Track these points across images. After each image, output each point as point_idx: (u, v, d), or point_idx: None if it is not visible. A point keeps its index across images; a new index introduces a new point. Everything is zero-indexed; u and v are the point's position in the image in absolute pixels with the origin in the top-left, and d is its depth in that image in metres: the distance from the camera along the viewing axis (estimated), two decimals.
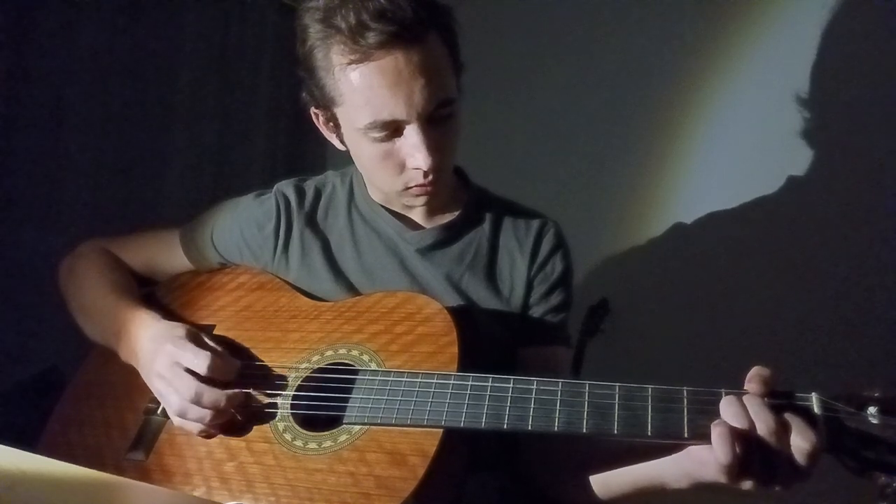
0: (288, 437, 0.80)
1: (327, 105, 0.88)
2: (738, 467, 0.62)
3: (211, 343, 0.87)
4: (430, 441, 0.73)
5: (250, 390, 0.84)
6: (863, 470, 0.62)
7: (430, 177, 0.87)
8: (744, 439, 0.62)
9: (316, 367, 0.85)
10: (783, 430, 0.62)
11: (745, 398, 0.64)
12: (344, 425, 0.78)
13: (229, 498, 0.78)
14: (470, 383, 0.75)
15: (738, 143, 1.80)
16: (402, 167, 0.88)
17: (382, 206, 1.00)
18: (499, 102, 2.02)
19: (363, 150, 0.88)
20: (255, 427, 0.83)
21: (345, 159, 1.00)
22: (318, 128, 0.96)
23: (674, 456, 0.71)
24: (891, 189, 1.59)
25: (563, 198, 1.81)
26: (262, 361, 0.88)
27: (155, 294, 1.04)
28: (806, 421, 0.62)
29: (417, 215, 1.00)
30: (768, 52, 1.75)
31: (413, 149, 0.84)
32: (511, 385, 0.74)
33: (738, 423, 0.62)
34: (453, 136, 0.90)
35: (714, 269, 1.81)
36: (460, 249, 0.99)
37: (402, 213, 1.00)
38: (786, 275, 1.70)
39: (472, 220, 1.01)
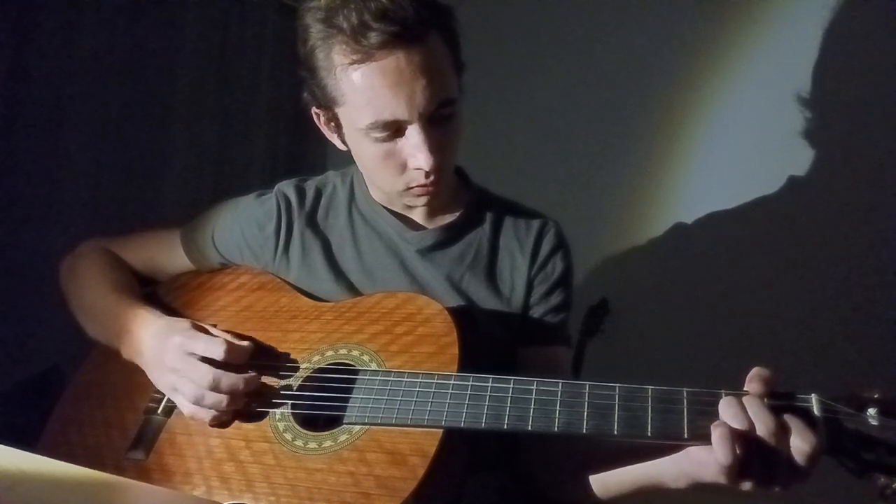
0: (288, 436, 0.80)
1: (329, 105, 0.88)
2: (738, 468, 0.62)
3: (216, 331, 0.88)
4: (431, 441, 0.73)
5: (263, 376, 0.85)
6: (862, 471, 0.62)
7: (432, 177, 0.87)
8: (743, 440, 0.62)
9: (316, 367, 0.85)
10: (783, 431, 0.62)
11: (744, 399, 0.64)
12: (344, 425, 0.79)
13: (229, 497, 0.78)
14: (470, 384, 0.75)
15: (738, 143, 1.80)
16: (403, 167, 0.88)
17: (383, 207, 1.00)
18: (499, 102, 2.02)
19: (364, 150, 0.88)
20: (255, 426, 0.83)
21: (345, 159, 1.00)
22: (318, 128, 0.96)
23: (673, 456, 0.71)
24: (891, 189, 1.59)
25: (563, 198, 1.81)
26: (264, 361, 0.88)
27: (156, 294, 1.04)
28: (805, 422, 0.62)
29: (418, 215, 1.00)
30: (768, 51, 1.76)
31: (414, 149, 0.84)
32: (511, 385, 0.74)
33: (738, 423, 0.62)
34: (454, 136, 0.90)
35: (714, 269, 1.81)
36: (461, 250, 0.99)
37: (403, 213, 1.00)
38: (786, 275, 1.70)
39: (472, 221, 1.01)
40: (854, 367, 1.53)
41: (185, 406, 0.84)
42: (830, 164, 1.67)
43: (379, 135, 0.84)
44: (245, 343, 0.86)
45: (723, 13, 1.81)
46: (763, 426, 0.62)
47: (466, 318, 0.85)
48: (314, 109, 0.93)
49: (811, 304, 1.66)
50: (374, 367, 0.82)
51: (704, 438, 0.64)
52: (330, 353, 0.86)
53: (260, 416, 0.83)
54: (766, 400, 0.64)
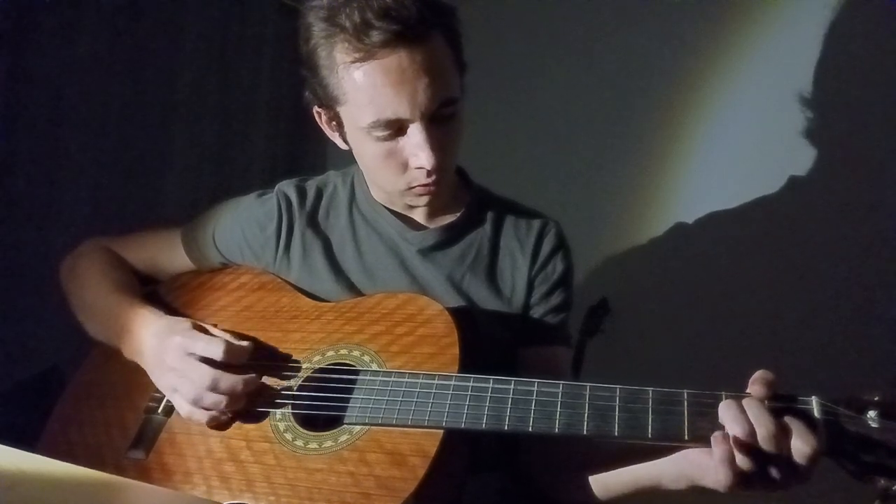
0: (288, 436, 0.80)
1: (330, 104, 0.88)
2: (738, 470, 0.62)
3: (217, 331, 0.87)
4: (431, 442, 0.73)
5: (264, 376, 0.85)
6: (862, 473, 0.62)
7: (433, 176, 0.87)
8: (743, 443, 0.62)
9: (317, 367, 0.85)
10: (783, 433, 0.62)
11: (744, 402, 0.64)
12: (344, 425, 0.79)
13: (229, 497, 0.78)
14: (471, 384, 0.75)
15: (738, 143, 1.79)
16: (404, 166, 0.88)
17: (384, 207, 1.00)
18: (500, 102, 2.02)
19: (366, 149, 0.88)
20: (255, 426, 0.83)
21: (345, 159, 1.00)
22: (319, 127, 0.96)
23: (672, 457, 0.71)
24: (891, 189, 1.59)
25: (563, 198, 1.81)
26: (265, 361, 0.88)
27: (156, 293, 1.04)
28: (806, 424, 0.62)
29: (419, 215, 1.00)
30: (769, 51, 1.75)
31: (416, 148, 0.84)
32: (512, 386, 0.74)
33: (738, 426, 0.62)
34: (456, 135, 0.90)
35: (714, 269, 1.81)
36: (461, 250, 0.99)
37: (404, 213, 1.00)
38: (786, 275, 1.70)
39: (473, 221, 1.01)
40: (854, 368, 1.52)
41: (182, 407, 0.84)
42: (831, 164, 1.67)
43: (380, 133, 0.84)
44: (245, 343, 0.86)
45: (723, 13, 1.81)
46: (763, 429, 0.62)
47: (467, 318, 0.85)
48: (316, 108, 0.93)
49: (811, 304, 1.66)
50: (374, 367, 0.82)
51: (705, 440, 0.64)
52: (330, 353, 0.86)
53: (261, 416, 0.83)
54: (766, 402, 0.64)
